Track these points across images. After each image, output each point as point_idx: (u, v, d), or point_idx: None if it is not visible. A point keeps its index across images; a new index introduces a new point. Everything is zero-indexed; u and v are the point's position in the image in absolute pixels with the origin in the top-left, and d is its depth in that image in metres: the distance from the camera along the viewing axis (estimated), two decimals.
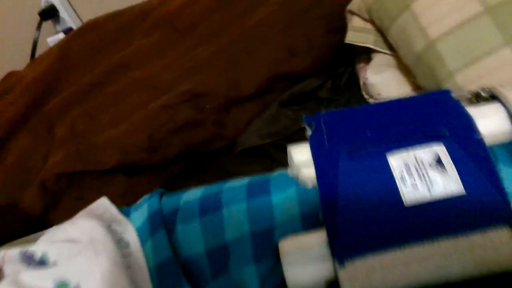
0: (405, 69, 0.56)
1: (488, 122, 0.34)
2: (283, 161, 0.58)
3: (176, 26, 0.66)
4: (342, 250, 0.30)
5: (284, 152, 0.59)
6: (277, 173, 0.38)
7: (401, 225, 0.30)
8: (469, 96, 0.38)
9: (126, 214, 0.42)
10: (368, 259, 0.30)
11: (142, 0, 0.79)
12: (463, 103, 0.37)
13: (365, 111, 0.37)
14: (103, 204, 0.43)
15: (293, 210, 0.34)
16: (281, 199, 0.35)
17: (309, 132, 0.37)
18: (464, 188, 0.30)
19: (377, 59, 0.60)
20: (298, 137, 0.59)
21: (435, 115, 0.34)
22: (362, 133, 0.34)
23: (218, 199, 0.37)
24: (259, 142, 0.61)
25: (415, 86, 0.56)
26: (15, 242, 0.45)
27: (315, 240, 0.32)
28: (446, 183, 0.31)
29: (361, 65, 0.65)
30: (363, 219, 0.31)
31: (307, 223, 0.33)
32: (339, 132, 0.35)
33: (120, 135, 0.57)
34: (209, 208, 0.36)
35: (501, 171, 0.31)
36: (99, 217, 0.40)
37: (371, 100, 0.61)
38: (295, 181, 0.35)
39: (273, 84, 0.64)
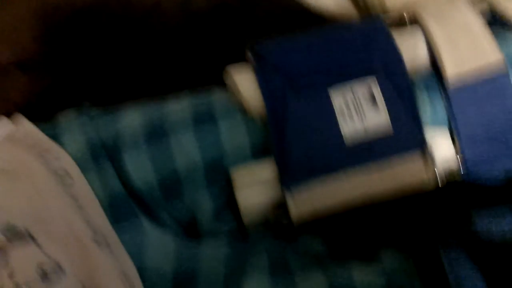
0: None
1: (409, 50, 0.39)
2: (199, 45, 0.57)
3: None
4: (289, 178, 0.36)
5: (202, 35, 0.58)
6: (218, 96, 0.39)
7: (339, 154, 0.36)
8: (395, 18, 0.41)
9: (52, 134, 0.40)
10: (311, 185, 0.36)
11: None
12: (390, 25, 0.41)
13: (307, 41, 0.38)
14: (25, 126, 0.40)
15: (242, 138, 0.37)
16: (228, 128, 0.37)
17: (252, 60, 0.37)
18: (390, 121, 0.37)
19: None
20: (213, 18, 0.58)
21: (371, 48, 0.38)
22: (306, 67, 0.37)
23: (163, 126, 0.37)
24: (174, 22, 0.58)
25: None
26: None
27: (264, 169, 0.36)
28: (377, 117, 0.37)
29: None
30: (308, 151, 0.36)
31: (256, 151, 0.37)
32: (284, 64, 0.37)
33: (7, 25, 0.49)
34: (155, 136, 0.37)
35: (416, 97, 0.37)
36: (24, 143, 0.38)
37: None
38: (239, 108, 0.37)
39: None
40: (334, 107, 0.36)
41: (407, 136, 0.36)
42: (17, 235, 0.31)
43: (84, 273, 0.30)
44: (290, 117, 0.36)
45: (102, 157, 0.37)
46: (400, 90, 0.37)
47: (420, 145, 0.37)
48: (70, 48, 0.53)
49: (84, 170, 0.37)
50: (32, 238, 0.30)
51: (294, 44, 0.38)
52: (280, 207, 0.36)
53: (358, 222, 0.39)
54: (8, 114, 0.43)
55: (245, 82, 0.37)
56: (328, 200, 0.36)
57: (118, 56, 0.55)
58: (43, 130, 0.40)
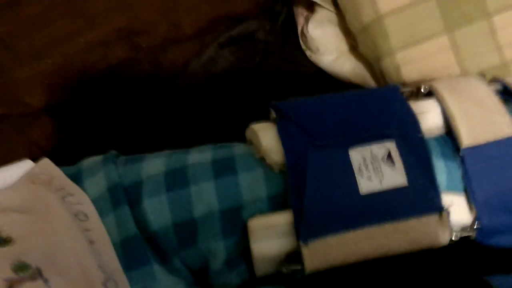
0: (347, 30, 0.60)
1: (426, 117, 0.41)
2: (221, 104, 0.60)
3: None
4: (306, 231, 0.36)
5: (221, 96, 0.61)
6: (239, 149, 0.41)
7: (356, 211, 0.37)
8: (412, 90, 0.44)
9: (75, 178, 0.41)
10: (327, 239, 0.36)
11: None
12: (407, 96, 0.43)
13: (328, 103, 0.41)
14: (48, 168, 0.41)
15: (260, 191, 0.38)
16: (248, 180, 0.38)
17: (273, 116, 0.40)
18: (407, 181, 0.38)
19: (320, 13, 0.62)
20: (236, 80, 0.62)
21: (388, 112, 0.40)
22: (327, 126, 0.39)
23: (184, 175, 0.39)
24: (195, 83, 0.61)
25: (354, 47, 0.60)
26: None
27: (281, 220, 0.37)
28: (394, 176, 0.38)
29: (299, 9, 0.67)
30: (326, 205, 0.37)
31: (273, 204, 0.38)
32: (306, 122, 0.39)
33: (45, 71, 0.52)
34: (176, 184, 0.39)
35: (433, 165, 0.39)
36: (47, 184, 0.39)
37: (307, 52, 0.65)
38: (260, 162, 0.39)
39: (213, 25, 0.63)
40: (353, 165, 0.37)
41: (424, 198, 0.37)
42: (28, 273, 0.31)
43: None
44: (310, 173, 0.37)
45: (121, 201, 0.38)
46: (417, 154, 0.39)
47: (437, 208, 0.37)
48: (100, 98, 0.56)
49: (102, 213, 0.38)
50: (43, 278, 0.30)
51: (315, 105, 0.40)
52: (294, 257, 0.37)
53: (372, 274, 0.39)
54: (33, 157, 0.45)
55: (267, 137, 0.39)
56: (343, 254, 0.36)
57: (145, 110, 0.58)
58: (67, 173, 0.41)
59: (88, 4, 0.57)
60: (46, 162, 0.43)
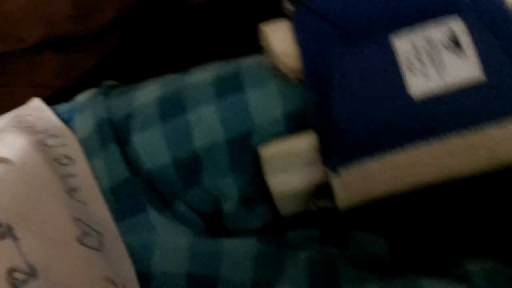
0: None
1: None
2: (246, 20, 0.51)
3: None
4: (336, 155, 0.27)
5: (246, 8, 0.51)
6: (248, 61, 0.31)
7: (407, 122, 0.27)
8: None
9: (67, 116, 0.35)
10: (367, 163, 0.27)
11: None
12: None
13: None
14: (36, 107, 0.36)
15: (274, 110, 0.29)
16: (259, 97, 0.29)
17: (289, 7, 0.29)
18: (484, 73, 0.26)
19: None
20: None
21: None
22: (360, 11, 0.28)
23: (181, 100, 0.31)
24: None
25: None
26: None
27: (302, 144, 0.28)
28: (462, 67, 0.26)
29: None
30: (362, 118, 0.27)
31: (292, 125, 0.29)
32: (331, 9, 0.28)
33: (36, 1, 0.46)
34: (171, 111, 0.31)
35: None
36: (30, 129, 0.34)
37: None
38: (273, 73, 0.29)
39: None
40: (399, 59, 0.26)
41: (508, 90, 0.25)
42: None
43: (60, 276, 0.25)
44: (338, 78, 0.27)
45: (110, 140, 0.31)
46: (500, 35, 0.26)
47: None
48: (104, 24, 0.48)
49: (90, 155, 0.32)
50: (12, 236, 0.26)
51: None
52: (321, 189, 0.28)
53: (431, 215, 0.29)
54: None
55: (279, 37, 0.29)
56: (390, 183, 0.27)
57: (157, 33, 0.50)
58: (59, 112, 0.36)
59: None
60: (35, 102, 0.38)
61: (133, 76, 0.40)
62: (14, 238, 0.26)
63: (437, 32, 0.27)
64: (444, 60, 0.26)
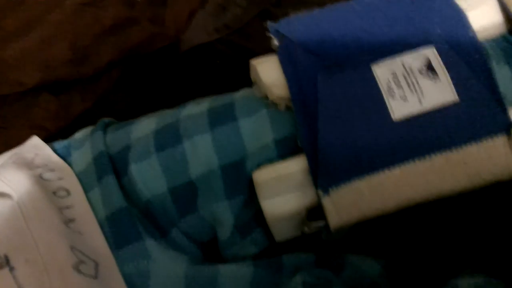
0: None
1: (479, 14, 0.31)
2: (234, 60, 0.53)
3: None
4: (325, 176, 0.28)
5: (236, 49, 0.54)
6: (240, 94, 0.33)
7: (390, 143, 0.28)
8: None
9: (65, 152, 0.36)
10: (355, 183, 0.28)
11: None
12: None
13: (340, 15, 0.31)
14: (35, 145, 0.37)
15: (266, 136, 0.30)
16: (251, 125, 0.31)
17: (275, 43, 0.31)
18: (458, 96, 0.28)
19: None
20: (251, 31, 0.54)
21: (422, 12, 0.30)
22: (340, 41, 0.30)
23: (176, 130, 0.32)
24: (206, 38, 0.54)
25: None
26: None
27: (293, 168, 0.29)
28: (438, 91, 0.28)
29: None
30: (348, 140, 0.28)
31: (283, 149, 0.30)
32: (313, 41, 0.30)
33: (35, 46, 0.48)
34: (168, 141, 0.32)
35: (494, 72, 0.29)
36: (29, 164, 0.35)
37: None
38: (264, 103, 0.31)
39: None
40: (380, 85, 0.28)
41: (484, 115, 0.27)
42: None
43: None
44: (322, 102, 0.29)
45: (107, 171, 0.32)
46: (470, 61, 0.29)
47: (503, 127, 0.27)
48: (99, 67, 0.51)
49: (87, 187, 0.33)
50: (10, 266, 0.27)
51: (323, 17, 0.31)
52: (314, 212, 0.29)
53: (421, 233, 0.30)
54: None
55: (267, 69, 0.31)
56: (378, 202, 0.28)
57: (149, 73, 0.52)
58: (56, 148, 0.37)
59: None
60: (33, 140, 0.39)
61: (127, 117, 0.42)
62: (11, 268, 0.27)
63: (413, 60, 0.29)
64: (421, 85, 0.28)
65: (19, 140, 0.46)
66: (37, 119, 0.50)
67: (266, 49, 0.41)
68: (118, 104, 0.51)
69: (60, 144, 0.39)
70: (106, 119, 0.39)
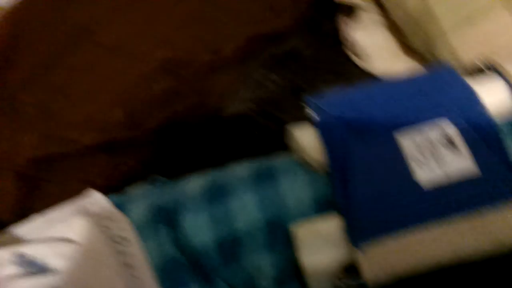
0: (394, 29, 0.56)
1: (492, 98, 0.35)
2: (271, 132, 0.58)
3: None
4: (358, 234, 0.32)
5: (272, 121, 0.59)
6: (280, 157, 0.38)
7: (416, 206, 0.32)
8: (470, 69, 0.39)
9: (120, 206, 0.41)
10: (385, 242, 0.31)
11: None
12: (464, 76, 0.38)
13: (369, 91, 0.37)
14: (94, 197, 0.42)
15: (305, 196, 0.35)
16: (291, 185, 0.35)
17: (311, 114, 0.36)
18: (477, 167, 0.32)
19: (364, 17, 0.59)
20: (287, 105, 0.59)
21: (441, 91, 0.35)
22: (369, 114, 0.35)
23: (224, 188, 0.37)
24: (244, 109, 0.60)
25: (405, 47, 0.56)
26: None
27: (330, 225, 0.33)
28: (459, 162, 0.32)
29: (343, 18, 0.64)
30: (378, 202, 0.32)
31: (320, 208, 0.34)
32: (346, 113, 0.35)
33: (94, 111, 0.54)
34: (216, 198, 0.36)
35: (509, 147, 0.33)
36: (90, 214, 0.39)
37: (355, 59, 0.61)
38: (302, 165, 0.35)
39: (253, 45, 0.62)
40: (405, 153, 0.32)
41: (499, 182, 0.31)
42: None
43: None
44: (355, 167, 0.33)
45: (161, 222, 0.37)
46: (482, 133, 0.33)
47: None
48: (150, 132, 0.56)
49: (143, 237, 0.37)
50: None
51: (356, 94, 0.36)
52: (350, 269, 0.32)
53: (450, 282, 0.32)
54: None
55: (305, 136, 0.36)
56: (408, 258, 0.31)
57: (194, 139, 0.58)
58: (112, 201, 0.42)
59: (130, 43, 0.59)
60: (91, 192, 0.44)
61: (172, 175, 0.46)
62: None
63: (434, 132, 0.33)
64: (443, 156, 0.32)
65: (72, 193, 0.51)
66: (91, 175, 0.55)
67: (299, 119, 0.46)
68: (165, 165, 0.56)
69: (114, 197, 0.43)
70: (156, 176, 0.44)
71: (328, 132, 0.35)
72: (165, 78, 0.58)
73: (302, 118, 0.47)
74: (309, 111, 0.37)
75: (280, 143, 0.47)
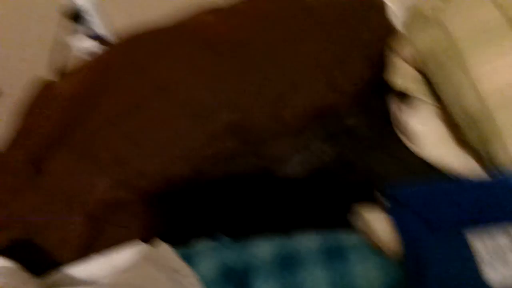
0: (449, 120, 0.59)
1: None
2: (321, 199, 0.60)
3: (220, 50, 0.68)
4: None
5: (323, 189, 0.62)
6: (352, 237, 0.41)
7: None
8: None
9: (187, 259, 0.44)
10: None
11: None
12: None
13: (443, 188, 0.40)
14: (164, 250, 0.45)
15: (375, 279, 0.37)
16: (362, 267, 0.38)
17: (384, 202, 0.40)
18: None
19: (423, 108, 0.63)
20: (337, 177, 0.63)
21: (509, 199, 0.38)
22: (441, 211, 0.38)
23: (295, 259, 0.40)
24: (298, 175, 0.63)
25: (458, 138, 0.59)
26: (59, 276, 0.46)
27: None
28: None
29: (396, 101, 0.68)
30: None
31: None
32: (420, 208, 0.38)
33: (163, 163, 0.58)
34: (286, 267, 0.39)
35: None
36: (159, 264, 0.42)
37: (406, 141, 0.65)
38: (374, 250, 0.38)
39: (310, 117, 0.66)
40: (474, 253, 0.35)
41: None
42: None
43: None
44: (429, 262, 0.36)
45: (232, 282, 0.39)
46: None
47: None
48: (210, 188, 0.60)
49: None
50: None
51: (431, 191, 0.40)
52: None
53: None
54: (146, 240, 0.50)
55: (376, 221, 0.39)
56: None
57: (251, 198, 0.61)
58: (178, 253, 0.45)
59: (201, 102, 0.64)
60: (159, 243, 0.47)
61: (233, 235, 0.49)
62: None
63: (502, 237, 0.36)
64: (509, 259, 0.35)
65: (134, 238, 0.54)
66: (149, 222, 0.58)
67: (348, 190, 0.49)
68: (222, 221, 0.59)
69: (180, 250, 0.46)
70: (222, 235, 0.47)
71: (402, 224, 0.38)
72: (229, 139, 0.62)
73: (351, 188, 0.51)
74: (383, 199, 0.41)
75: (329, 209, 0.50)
